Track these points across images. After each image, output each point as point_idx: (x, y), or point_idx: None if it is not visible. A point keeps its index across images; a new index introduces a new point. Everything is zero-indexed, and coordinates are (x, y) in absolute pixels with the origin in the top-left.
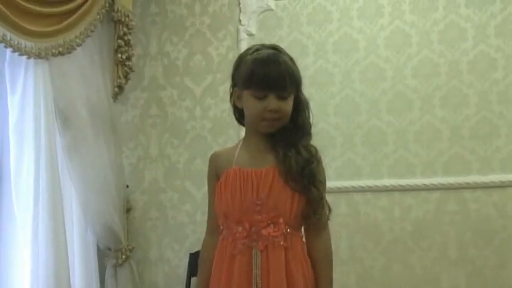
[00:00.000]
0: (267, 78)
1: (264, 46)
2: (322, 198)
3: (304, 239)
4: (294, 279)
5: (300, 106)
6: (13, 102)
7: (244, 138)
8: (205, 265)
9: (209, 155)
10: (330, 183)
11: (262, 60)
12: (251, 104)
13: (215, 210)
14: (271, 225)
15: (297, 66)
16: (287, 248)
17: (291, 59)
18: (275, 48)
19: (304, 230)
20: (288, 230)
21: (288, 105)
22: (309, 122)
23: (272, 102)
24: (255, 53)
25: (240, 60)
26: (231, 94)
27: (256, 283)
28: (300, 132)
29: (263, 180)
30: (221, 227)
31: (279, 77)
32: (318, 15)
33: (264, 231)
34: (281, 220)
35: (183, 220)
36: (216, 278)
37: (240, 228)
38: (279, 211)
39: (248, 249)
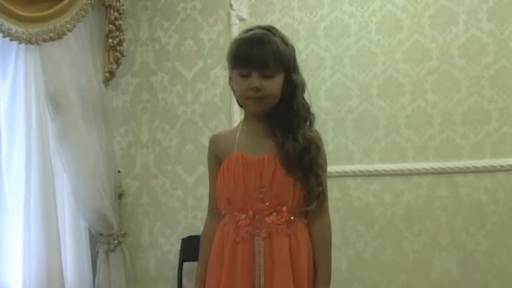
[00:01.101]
0: (249, 56)
1: (258, 27)
2: (320, 185)
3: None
4: (298, 265)
5: (294, 89)
6: (4, 88)
7: (244, 122)
8: (207, 248)
9: (200, 140)
10: None
11: (246, 39)
12: (237, 83)
13: (217, 194)
14: (274, 213)
15: (290, 47)
16: (291, 235)
17: (284, 40)
18: (267, 28)
19: (305, 213)
20: (291, 217)
21: (273, 84)
22: (306, 106)
23: (254, 80)
24: (244, 33)
25: (232, 41)
26: (230, 77)
27: (259, 271)
28: (297, 118)
29: (266, 168)
30: (223, 212)
31: (262, 55)
32: (309, 0)
33: (267, 219)
34: (284, 208)
35: (175, 205)
36: (214, 263)
37: (243, 216)
38: (282, 199)
39: (251, 236)
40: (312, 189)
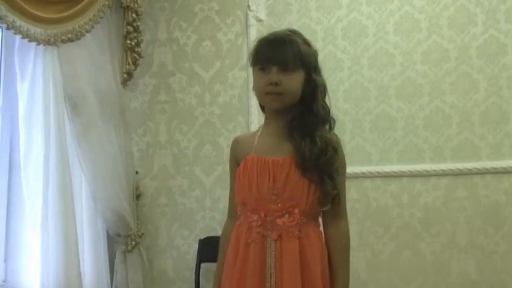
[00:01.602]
0: (269, 50)
1: (281, 30)
2: (335, 188)
3: (321, 228)
4: (310, 268)
5: (315, 90)
6: (22, 89)
7: (264, 124)
8: (224, 250)
9: (218, 141)
10: None
11: (268, 38)
12: (256, 79)
13: (235, 196)
14: (286, 215)
15: (311, 48)
16: (302, 238)
17: (305, 41)
18: (290, 30)
19: (322, 217)
20: (304, 219)
21: (292, 80)
22: (326, 108)
23: (273, 74)
24: (266, 35)
25: (255, 42)
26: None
27: (270, 272)
28: (316, 120)
29: (280, 170)
30: (239, 213)
31: (281, 50)
32: (327, 0)
33: (278, 221)
34: (296, 210)
35: (192, 206)
36: (230, 261)
37: (255, 217)
38: (295, 201)
39: (262, 238)
40: (327, 191)
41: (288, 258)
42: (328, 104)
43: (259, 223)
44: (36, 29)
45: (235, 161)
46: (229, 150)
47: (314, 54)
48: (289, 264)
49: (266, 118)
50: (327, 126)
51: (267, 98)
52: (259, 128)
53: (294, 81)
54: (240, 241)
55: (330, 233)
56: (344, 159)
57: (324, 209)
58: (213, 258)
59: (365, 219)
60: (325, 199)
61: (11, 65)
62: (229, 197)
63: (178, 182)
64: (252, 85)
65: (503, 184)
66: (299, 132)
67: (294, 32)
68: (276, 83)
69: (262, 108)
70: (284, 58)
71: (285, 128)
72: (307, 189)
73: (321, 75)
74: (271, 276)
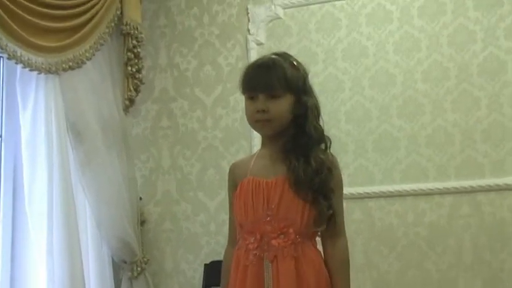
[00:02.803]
0: (255, 78)
1: (269, 54)
2: (330, 208)
3: (320, 247)
4: (307, 287)
5: (305, 111)
6: (25, 118)
7: (261, 147)
8: (226, 275)
9: (221, 165)
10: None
11: (254, 64)
12: (246, 107)
13: (235, 220)
14: (281, 235)
15: (299, 70)
16: (298, 258)
17: (294, 64)
18: (278, 54)
19: (321, 237)
20: (299, 239)
21: (280, 106)
22: (319, 129)
23: (260, 102)
24: (255, 60)
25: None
26: None
27: None
28: (310, 141)
29: (273, 191)
30: (238, 237)
31: (266, 76)
32: (327, 22)
33: (273, 242)
34: (291, 230)
35: (197, 231)
36: (231, 286)
37: (252, 239)
38: (290, 221)
39: (259, 259)
40: (322, 211)
41: (284, 278)
42: (322, 124)
43: (256, 245)
44: (37, 58)
45: (234, 185)
46: None
47: (302, 77)
48: (286, 284)
49: (262, 141)
50: (323, 146)
51: (256, 125)
52: (257, 151)
53: (282, 107)
54: (238, 264)
55: (328, 252)
56: (340, 179)
57: (319, 229)
58: (218, 283)
59: (370, 239)
60: (320, 219)
61: (13, 94)
62: (229, 223)
63: (183, 207)
64: None
65: (508, 201)
66: (294, 154)
67: (281, 56)
68: (264, 110)
69: None
70: (269, 85)
71: (279, 150)
72: (302, 208)
73: (312, 96)
74: None
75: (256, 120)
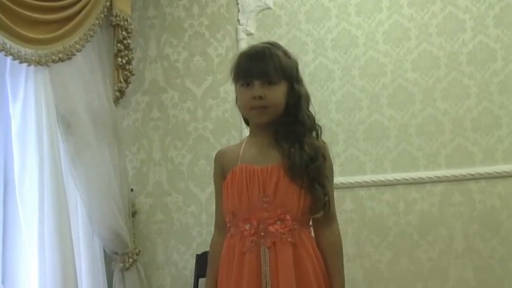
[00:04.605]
0: (251, 65)
1: (261, 43)
2: (326, 195)
3: (312, 233)
4: (305, 274)
5: (299, 100)
6: (15, 110)
7: (249, 136)
8: (214, 263)
9: (212, 156)
10: (334, 180)
11: (248, 53)
12: (240, 95)
13: (223, 208)
14: (279, 222)
15: (291, 59)
16: (295, 244)
17: (286, 53)
18: (270, 43)
19: (313, 223)
20: (296, 225)
21: (275, 92)
22: (311, 117)
23: (257, 88)
24: (246, 49)
25: (235, 57)
26: (236, 97)
27: (266, 280)
28: (303, 128)
29: (269, 178)
30: (228, 225)
31: (262, 64)
32: (316, 12)
33: (271, 228)
34: (288, 217)
35: (189, 222)
36: (224, 275)
37: (247, 226)
38: (286, 208)
39: (256, 246)
40: (318, 198)
41: (282, 265)
42: (312, 112)
43: (252, 232)
44: (27, 50)
45: (222, 173)
46: None
47: (295, 66)
48: (284, 270)
49: (251, 130)
50: (314, 134)
51: (252, 112)
52: (243, 140)
53: (278, 94)
54: (233, 252)
55: (324, 236)
56: (332, 166)
57: (315, 216)
58: None
59: (361, 228)
60: (317, 206)
61: (3, 85)
62: (216, 210)
63: (174, 198)
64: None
65: (498, 189)
66: (287, 140)
67: (273, 45)
68: (260, 97)
69: (246, 121)
70: (266, 72)
71: (271, 137)
72: (298, 195)
73: (303, 85)
74: (266, 284)
75: (252, 107)
